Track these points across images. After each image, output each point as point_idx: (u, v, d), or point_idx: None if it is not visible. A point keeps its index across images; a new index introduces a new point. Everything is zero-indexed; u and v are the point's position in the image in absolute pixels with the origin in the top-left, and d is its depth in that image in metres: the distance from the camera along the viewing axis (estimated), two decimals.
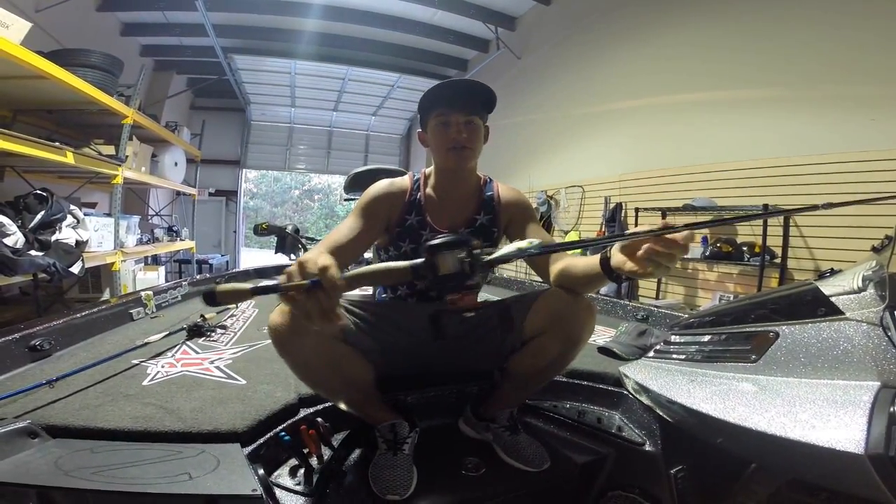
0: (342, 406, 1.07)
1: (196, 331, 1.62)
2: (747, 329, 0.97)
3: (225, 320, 1.86)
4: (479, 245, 0.69)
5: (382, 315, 1.11)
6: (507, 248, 0.71)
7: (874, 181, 2.59)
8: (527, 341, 1.04)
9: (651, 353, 1.23)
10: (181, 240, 5.60)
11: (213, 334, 1.65)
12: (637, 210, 4.07)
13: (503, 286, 3.02)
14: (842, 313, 0.79)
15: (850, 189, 2.70)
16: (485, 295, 1.29)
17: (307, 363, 0.96)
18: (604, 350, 1.50)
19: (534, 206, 4.83)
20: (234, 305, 2.11)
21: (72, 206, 2.94)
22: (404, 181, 1.15)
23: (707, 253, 3.42)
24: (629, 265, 0.74)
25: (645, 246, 0.71)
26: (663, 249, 0.68)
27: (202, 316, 1.72)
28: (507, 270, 5.40)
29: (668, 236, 0.67)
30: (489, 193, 1.16)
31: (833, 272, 1.38)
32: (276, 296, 0.62)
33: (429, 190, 1.15)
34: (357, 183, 2.21)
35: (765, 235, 3.06)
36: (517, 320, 1.03)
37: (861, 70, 2.68)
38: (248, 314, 2.04)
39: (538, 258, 1.06)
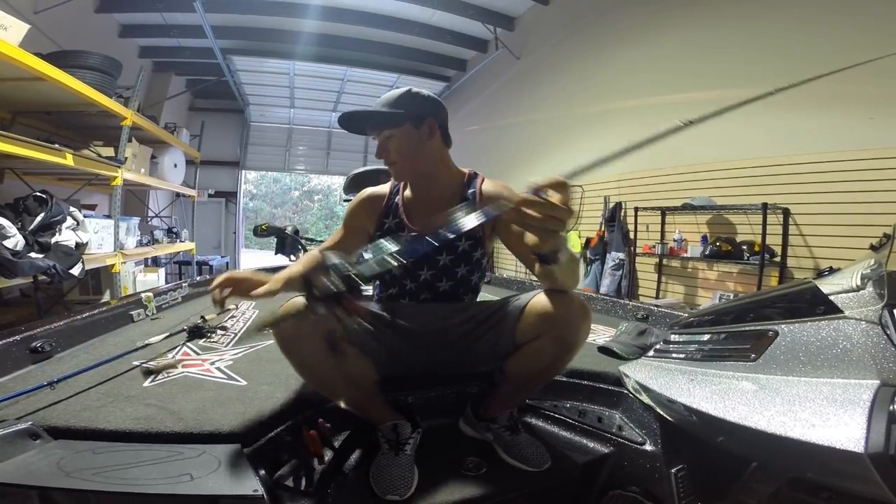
0: (345, 406, 1.07)
1: (196, 332, 1.62)
2: (747, 328, 0.98)
3: (225, 321, 1.86)
4: (338, 267, 0.76)
5: (377, 316, 1.12)
6: (368, 257, 0.80)
7: (872, 179, 2.59)
8: (521, 345, 1.03)
9: (651, 353, 1.23)
10: (181, 241, 5.60)
11: (213, 335, 1.65)
12: (636, 209, 4.07)
13: (503, 286, 3.02)
14: (841, 312, 0.79)
15: (849, 187, 2.70)
16: (484, 295, 1.30)
17: (311, 364, 0.98)
18: (604, 349, 1.50)
19: None
20: (233, 306, 2.11)
21: (71, 208, 2.95)
22: (384, 187, 1.21)
23: (707, 252, 3.42)
24: (529, 239, 0.78)
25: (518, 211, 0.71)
26: (536, 213, 0.69)
27: (202, 317, 1.72)
28: (507, 270, 5.41)
29: (546, 199, 0.69)
30: (471, 190, 1.15)
31: (832, 271, 1.39)
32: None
33: (407, 192, 1.17)
34: (357, 183, 2.22)
35: (764, 234, 3.06)
36: (509, 323, 1.03)
37: (859, 69, 2.67)
38: (249, 315, 2.04)
39: (526, 253, 1.00)
